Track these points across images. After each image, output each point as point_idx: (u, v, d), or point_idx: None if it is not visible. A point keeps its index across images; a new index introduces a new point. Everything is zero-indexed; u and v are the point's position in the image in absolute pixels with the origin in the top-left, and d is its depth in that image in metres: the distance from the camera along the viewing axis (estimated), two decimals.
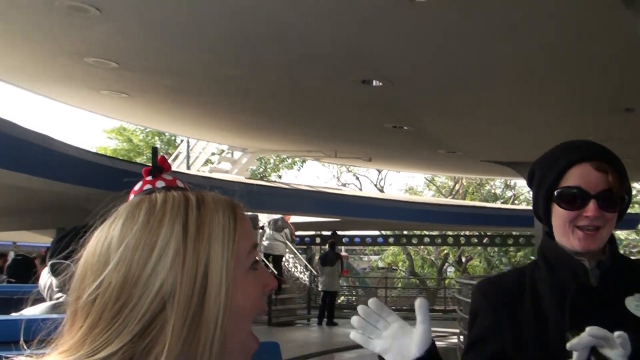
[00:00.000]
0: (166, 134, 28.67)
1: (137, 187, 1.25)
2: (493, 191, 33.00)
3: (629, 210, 1.64)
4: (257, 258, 0.94)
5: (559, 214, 1.46)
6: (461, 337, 7.24)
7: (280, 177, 30.05)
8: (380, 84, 7.45)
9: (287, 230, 15.95)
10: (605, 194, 1.42)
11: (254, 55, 6.90)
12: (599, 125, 9.04)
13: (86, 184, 10.15)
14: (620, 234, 28.31)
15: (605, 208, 1.42)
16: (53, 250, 2.32)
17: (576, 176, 1.43)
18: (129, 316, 0.83)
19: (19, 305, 2.23)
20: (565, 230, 1.44)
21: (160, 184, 1.09)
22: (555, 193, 1.46)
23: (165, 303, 0.84)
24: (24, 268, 8.66)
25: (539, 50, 6.19)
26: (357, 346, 8.83)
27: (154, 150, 1.16)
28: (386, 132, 10.32)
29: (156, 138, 29.18)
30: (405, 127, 9.93)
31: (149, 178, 1.14)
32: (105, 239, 0.89)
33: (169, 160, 1.10)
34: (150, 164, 1.23)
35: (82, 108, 10.32)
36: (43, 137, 9.04)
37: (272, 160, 30.02)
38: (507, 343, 1.46)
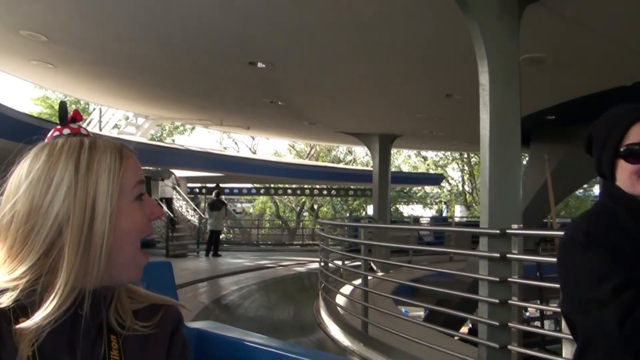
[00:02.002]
0: (81, 102, 26.85)
1: (49, 134, 1.09)
2: (338, 155, 33.63)
3: None
4: (142, 191, 0.92)
5: (625, 168, 1.32)
6: (322, 263, 7.20)
7: (173, 141, 29.00)
8: (264, 65, 7.15)
9: (173, 177, 15.74)
10: None
11: (160, 38, 6.42)
12: (425, 106, 9.27)
13: (18, 139, 9.39)
14: None
15: None
16: None
17: (638, 134, 1.31)
18: (35, 239, 0.83)
19: None
20: (633, 182, 1.31)
21: (66, 131, 0.99)
22: (622, 150, 1.31)
23: (62, 228, 0.84)
24: None
25: (388, 43, 6.14)
26: (236, 272, 8.74)
27: (62, 104, 1.06)
28: (264, 105, 10.03)
29: (73, 106, 27.23)
30: (279, 102, 9.70)
31: (59, 127, 1.03)
32: (18, 174, 0.88)
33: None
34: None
35: (14, 75, 9.24)
36: None
37: (167, 127, 28.89)
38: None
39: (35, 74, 9.03)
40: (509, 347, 3.59)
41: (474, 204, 30.53)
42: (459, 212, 30.68)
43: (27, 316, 0.82)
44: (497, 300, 3.65)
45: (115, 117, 16.50)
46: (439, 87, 7.86)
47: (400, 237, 12.70)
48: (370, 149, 12.46)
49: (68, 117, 1.03)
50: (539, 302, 4.61)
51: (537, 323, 5.54)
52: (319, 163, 27.39)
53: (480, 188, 4.09)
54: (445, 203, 33.12)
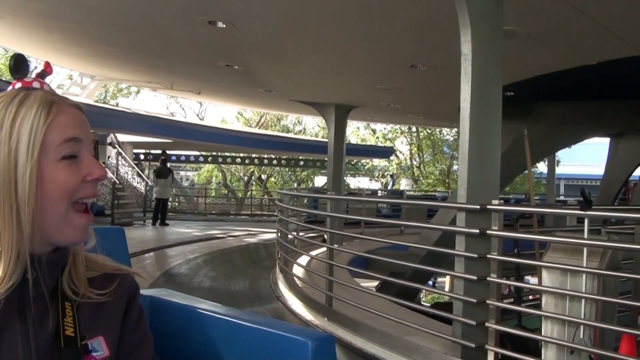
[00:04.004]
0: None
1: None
2: (287, 125, 33.26)
3: None
4: (73, 150, 0.87)
5: None
6: (279, 233, 7.02)
7: (117, 104, 27.87)
8: (224, 25, 6.75)
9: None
10: None
11: None
12: (387, 76, 9.09)
13: None
14: None
15: None
16: None
17: None
18: None
19: None
20: None
21: (18, 85, 0.93)
22: None
23: None
24: None
25: (355, 7, 5.90)
26: (185, 242, 8.45)
27: (17, 56, 0.98)
28: (219, 69, 9.58)
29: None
30: (235, 67, 9.28)
31: (14, 81, 0.97)
32: None
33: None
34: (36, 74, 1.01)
35: None
36: None
37: (111, 89, 27.66)
38: None
39: None
40: (487, 324, 3.51)
41: (421, 178, 30.98)
42: (404, 185, 31.07)
43: None
44: (475, 277, 3.55)
45: (60, 76, 15.56)
46: (404, 57, 7.67)
47: (353, 209, 12.63)
48: (326, 120, 12.24)
49: (29, 70, 0.97)
50: (514, 279, 4.57)
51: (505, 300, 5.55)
52: (273, 132, 27.02)
53: (459, 162, 3.95)
54: (391, 176, 33.47)
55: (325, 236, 9.59)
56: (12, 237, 0.83)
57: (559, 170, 23.97)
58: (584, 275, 3.21)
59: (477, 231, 3.54)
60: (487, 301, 3.54)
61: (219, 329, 1.12)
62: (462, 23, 4.11)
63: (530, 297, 7.24)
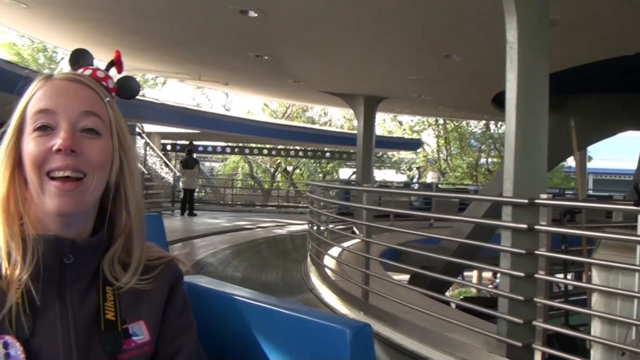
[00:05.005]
0: (48, 50, 25.65)
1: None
2: (312, 116, 33.14)
3: None
4: (43, 122, 0.87)
5: None
6: (310, 225, 6.96)
7: (143, 95, 28.13)
8: (256, 14, 6.67)
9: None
10: None
11: None
12: (420, 67, 8.91)
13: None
14: None
15: None
16: None
17: None
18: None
19: None
20: None
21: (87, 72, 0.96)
22: None
23: None
24: None
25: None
26: (215, 233, 8.44)
27: (75, 50, 1.05)
28: (248, 60, 9.51)
29: (40, 54, 26.03)
30: (265, 57, 9.20)
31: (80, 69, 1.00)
32: None
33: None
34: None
35: None
36: None
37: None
38: None
39: (6, 15, 8.32)
40: (534, 323, 3.39)
41: (448, 171, 30.62)
42: (430, 178, 30.76)
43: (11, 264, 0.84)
44: (522, 274, 3.43)
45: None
46: (439, 47, 7.50)
47: (383, 201, 12.49)
48: (354, 111, 12.11)
49: (83, 65, 1.02)
50: (562, 276, 4.42)
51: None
52: (299, 124, 26.95)
53: (505, 154, 3.82)
54: (417, 169, 33.13)
55: (355, 228, 9.53)
56: (13, 207, 0.87)
57: (588, 164, 23.43)
58: (637, 274, 3.07)
59: (525, 226, 3.41)
60: (535, 299, 3.41)
61: (256, 316, 1.11)
62: (507, 10, 3.97)
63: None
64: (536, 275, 3.41)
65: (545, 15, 4.04)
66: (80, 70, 1.01)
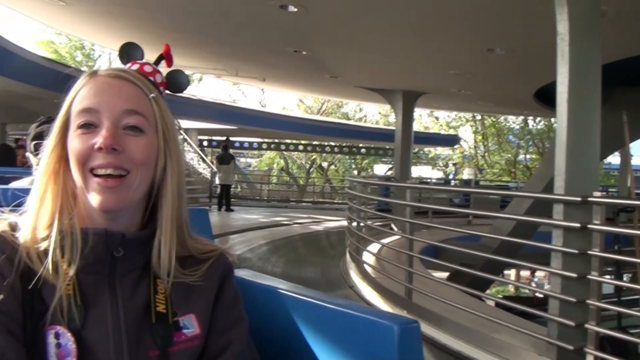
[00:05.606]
0: (86, 47, 26.17)
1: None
2: (347, 112, 33.02)
3: None
4: (86, 120, 0.88)
5: None
6: (350, 221, 6.89)
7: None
8: (296, 9, 6.64)
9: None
10: None
11: None
12: (462, 61, 8.74)
13: (27, 81, 9.16)
14: None
15: None
16: (34, 134, 2.25)
17: None
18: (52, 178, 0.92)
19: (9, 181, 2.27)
20: None
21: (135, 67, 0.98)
22: None
23: None
24: (8, 154, 7.61)
25: None
26: (252, 229, 8.48)
27: (124, 45, 1.06)
28: (286, 55, 9.50)
29: (77, 51, 26.61)
30: (303, 52, 9.17)
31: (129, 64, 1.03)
32: None
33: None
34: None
35: (21, 13, 8.70)
36: None
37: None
38: None
39: (44, 13, 8.50)
40: (587, 325, 3.26)
41: (485, 167, 30.11)
42: (466, 175, 30.31)
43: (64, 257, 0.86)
44: (575, 275, 3.31)
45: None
46: (482, 40, 7.33)
47: (422, 198, 12.35)
48: (393, 107, 11.99)
49: (131, 60, 1.03)
50: (613, 277, 4.27)
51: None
52: (334, 120, 26.90)
53: (556, 150, 3.69)
54: (454, 165, 32.70)
55: (392, 225, 9.43)
56: (60, 201, 0.89)
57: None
58: None
59: (578, 225, 3.29)
60: (587, 301, 3.29)
61: (302, 311, 1.09)
62: (557, 1, 3.84)
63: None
64: (589, 277, 3.29)
65: (596, 5, 3.90)
66: (128, 65, 1.02)
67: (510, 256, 6.11)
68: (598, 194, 3.34)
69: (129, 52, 1.06)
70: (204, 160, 16.50)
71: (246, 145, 23.87)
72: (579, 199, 3.33)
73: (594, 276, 3.29)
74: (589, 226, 3.28)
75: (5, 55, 8.86)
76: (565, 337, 3.35)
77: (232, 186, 16.84)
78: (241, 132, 20.53)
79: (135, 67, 1.01)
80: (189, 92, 26.16)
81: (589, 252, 3.30)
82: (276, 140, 25.21)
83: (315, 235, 10.82)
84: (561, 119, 3.66)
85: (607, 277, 4.40)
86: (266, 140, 25.38)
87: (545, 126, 27.15)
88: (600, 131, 3.74)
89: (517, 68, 8.57)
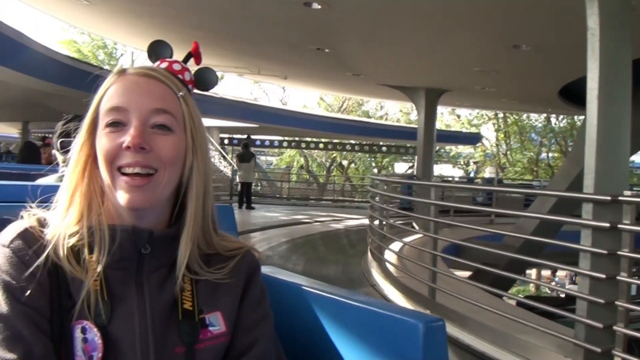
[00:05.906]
0: (108, 46, 26.49)
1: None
2: (367, 110, 32.92)
3: None
4: (115, 119, 0.88)
5: None
6: (372, 220, 6.86)
7: None
8: (320, 7, 6.61)
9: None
10: None
11: None
12: (486, 58, 8.63)
13: (51, 79, 9.27)
14: None
15: None
16: (60, 132, 2.28)
17: None
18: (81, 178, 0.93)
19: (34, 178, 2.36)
20: None
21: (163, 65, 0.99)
22: None
23: None
24: (33, 152, 7.66)
25: None
26: (273, 227, 8.49)
27: (152, 43, 1.07)
28: (309, 53, 9.48)
29: (100, 50, 26.96)
30: (326, 50, 9.14)
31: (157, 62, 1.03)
32: None
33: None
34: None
35: (45, 12, 8.81)
36: (18, 33, 8.07)
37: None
38: None
39: (68, 12, 8.60)
40: (615, 327, 3.19)
41: (507, 165, 29.79)
42: (488, 173, 30.01)
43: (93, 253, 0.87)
44: (603, 275, 3.24)
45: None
46: (507, 36, 7.22)
47: (444, 196, 12.25)
48: (415, 104, 11.90)
49: (159, 58, 1.05)
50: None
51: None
52: (355, 118, 26.85)
53: (586, 148, 3.62)
54: (475, 163, 32.41)
55: (414, 223, 9.37)
56: (88, 199, 0.90)
57: None
58: None
59: (608, 225, 3.22)
60: (616, 302, 3.22)
61: (327, 308, 1.09)
62: None
63: None
64: (618, 278, 3.21)
65: (626, 0, 3.82)
66: (157, 63, 1.03)
67: (534, 256, 6.03)
68: (628, 193, 3.27)
69: (157, 50, 1.07)
70: (225, 158, 16.58)
71: (267, 143, 23.95)
72: (608, 198, 3.26)
73: (623, 277, 3.22)
74: (619, 226, 3.21)
75: (28, 54, 8.99)
76: (593, 339, 3.29)
77: (253, 184, 16.92)
78: (262, 130, 20.59)
79: (164, 65, 1.01)
80: (211, 90, 26.28)
81: (619, 252, 3.23)
82: (296, 138, 25.25)
83: (336, 234, 10.81)
84: (591, 116, 3.58)
85: (636, 278, 4.31)
86: (287, 138, 25.44)
87: (569, 124, 26.79)
88: (630, 129, 3.66)
89: (543, 65, 8.44)
